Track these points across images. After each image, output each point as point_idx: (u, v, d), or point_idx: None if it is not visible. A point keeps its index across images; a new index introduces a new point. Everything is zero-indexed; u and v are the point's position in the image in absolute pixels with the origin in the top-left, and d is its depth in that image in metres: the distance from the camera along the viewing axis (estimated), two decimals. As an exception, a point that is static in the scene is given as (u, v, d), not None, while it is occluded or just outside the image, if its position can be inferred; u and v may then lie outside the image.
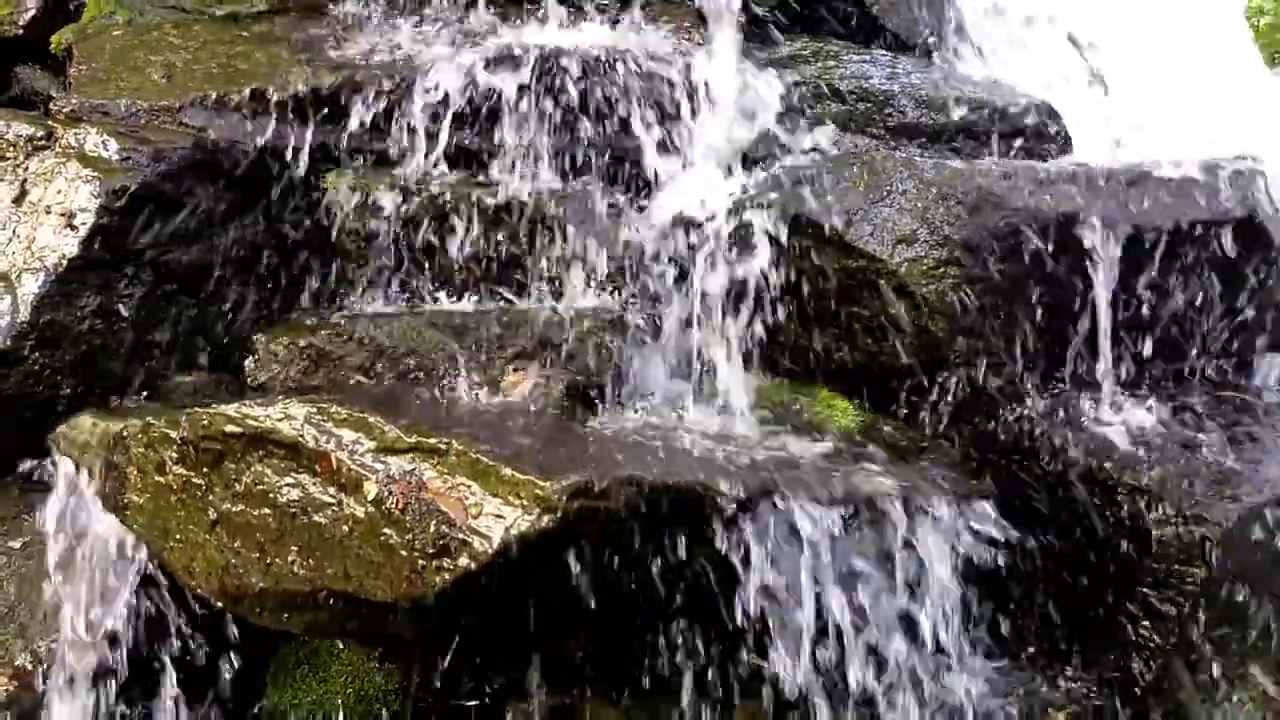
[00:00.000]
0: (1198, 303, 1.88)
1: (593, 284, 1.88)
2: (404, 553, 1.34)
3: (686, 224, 1.89)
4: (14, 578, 1.69)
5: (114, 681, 1.62)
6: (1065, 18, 2.60)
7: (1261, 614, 1.66)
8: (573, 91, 1.99)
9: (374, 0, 2.23)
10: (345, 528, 1.38)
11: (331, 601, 1.39)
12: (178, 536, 1.48)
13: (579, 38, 2.09)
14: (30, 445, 1.70)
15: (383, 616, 1.38)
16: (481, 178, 1.95)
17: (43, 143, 1.82)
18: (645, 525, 1.37)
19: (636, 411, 1.70)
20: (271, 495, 1.42)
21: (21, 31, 2.24)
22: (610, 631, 1.48)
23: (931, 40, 2.50)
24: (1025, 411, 1.80)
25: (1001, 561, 1.68)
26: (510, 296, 1.88)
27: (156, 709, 1.63)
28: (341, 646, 1.67)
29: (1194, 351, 1.91)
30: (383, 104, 1.97)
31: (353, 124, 1.95)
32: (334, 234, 1.90)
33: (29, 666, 1.64)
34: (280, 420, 1.43)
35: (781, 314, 1.84)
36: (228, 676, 1.65)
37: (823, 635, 1.48)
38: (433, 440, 1.39)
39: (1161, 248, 1.85)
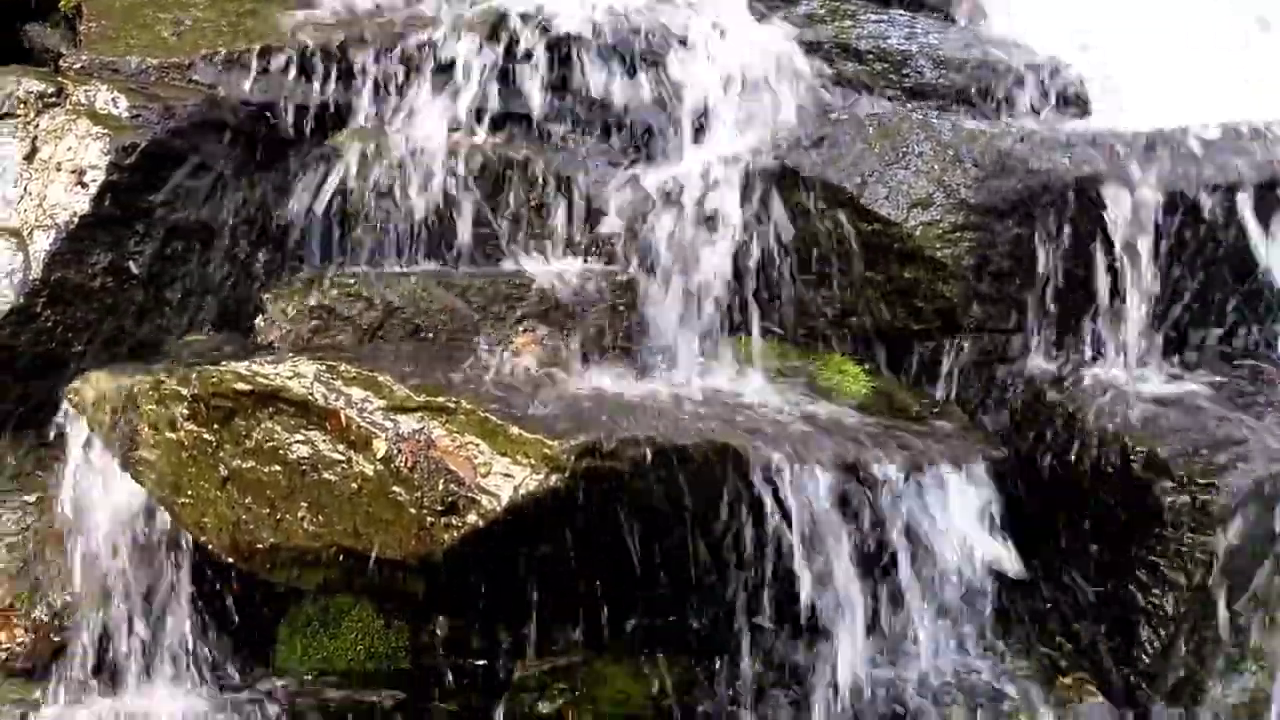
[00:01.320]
0: (1217, 270, 1.85)
1: (604, 246, 1.86)
2: (413, 510, 1.34)
3: (697, 185, 1.87)
4: (29, 533, 1.71)
5: (128, 636, 1.64)
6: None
7: (1272, 584, 1.65)
8: (582, 51, 1.97)
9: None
10: (354, 485, 1.38)
11: (341, 558, 1.40)
12: (189, 493, 1.49)
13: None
14: (43, 402, 1.71)
15: (392, 574, 1.39)
16: (494, 138, 1.94)
17: (53, 100, 1.81)
18: (653, 486, 1.37)
19: (646, 372, 1.69)
20: (281, 452, 1.43)
21: (32, -11, 2.23)
22: (620, 590, 1.49)
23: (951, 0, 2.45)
24: (1039, 377, 1.78)
25: (1012, 529, 1.68)
26: (522, 257, 1.87)
27: (171, 664, 1.65)
28: (352, 604, 1.69)
29: (1212, 319, 1.89)
30: (394, 62, 1.95)
31: (363, 82, 1.94)
32: (344, 193, 1.89)
33: (45, 619, 1.66)
34: (290, 378, 1.43)
35: (794, 278, 1.83)
36: (239, 632, 1.67)
37: (826, 598, 1.48)
38: (441, 399, 1.39)
39: (1181, 213, 1.82)
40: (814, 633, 1.50)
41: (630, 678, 1.57)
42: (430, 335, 1.71)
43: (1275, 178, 1.87)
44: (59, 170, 1.74)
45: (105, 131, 1.74)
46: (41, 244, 1.70)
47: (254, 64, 1.91)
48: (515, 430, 1.34)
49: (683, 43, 2.01)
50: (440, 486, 1.33)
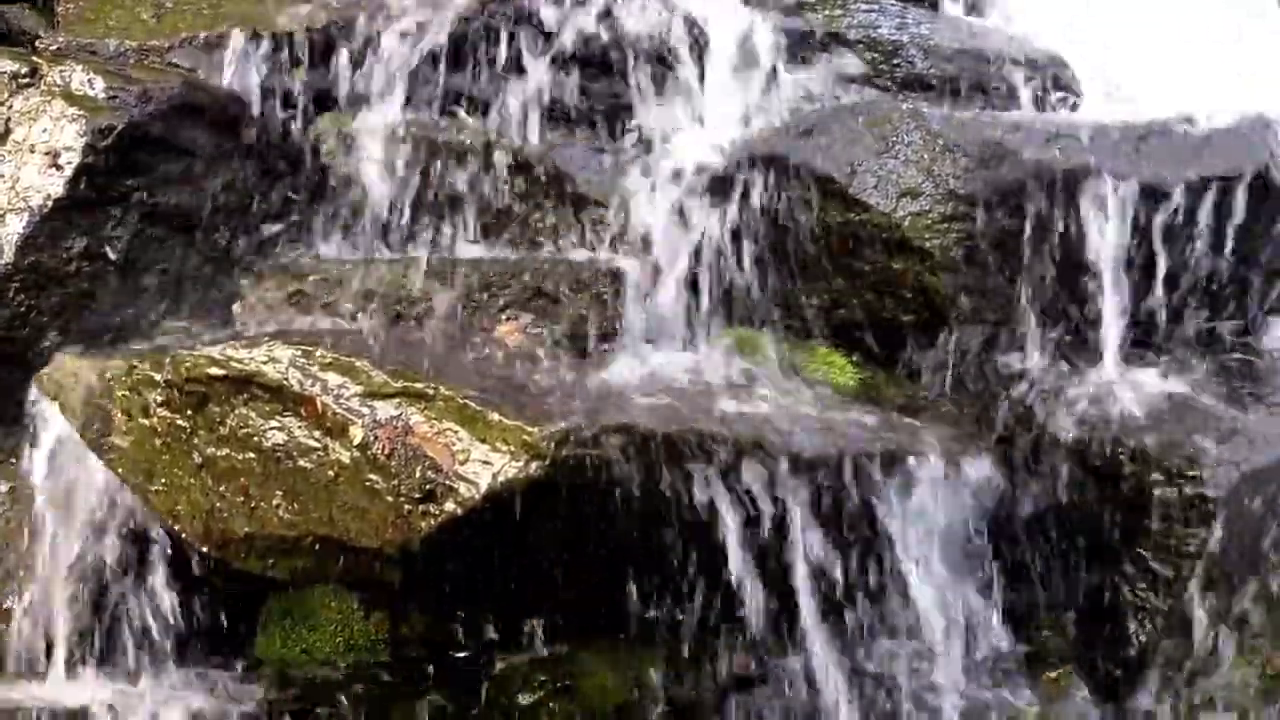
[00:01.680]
0: (1207, 261, 1.85)
1: (588, 233, 1.84)
2: (389, 498, 1.32)
3: (685, 175, 1.85)
4: (0, 521, 1.68)
5: (103, 624, 1.61)
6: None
7: (1259, 577, 1.64)
8: (566, 37, 1.95)
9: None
10: (330, 472, 1.36)
11: (317, 547, 1.38)
12: (162, 480, 1.47)
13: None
14: (15, 388, 1.68)
15: (368, 562, 1.37)
16: (477, 124, 1.91)
17: (27, 80, 1.78)
18: (635, 473, 1.35)
19: (629, 361, 1.67)
20: (256, 439, 1.40)
21: (8, -31, 2.20)
22: (601, 580, 1.47)
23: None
24: (1028, 370, 1.77)
25: (998, 520, 1.66)
26: (505, 244, 1.85)
27: (147, 653, 1.62)
28: (331, 595, 1.66)
29: (1202, 311, 1.88)
30: (376, 45, 1.93)
31: (345, 65, 1.91)
32: (325, 178, 1.87)
33: (15, 610, 1.63)
34: (265, 363, 1.41)
35: (781, 268, 1.81)
36: (217, 624, 1.65)
37: (812, 588, 1.47)
38: (420, 385, 1.37)
39: (1171, 204, 1.81)
40: (796, 625, 1.48)
41: (612, 669, 1.55)
42: (412, 322, 1.68)
43: (1263, 172, 1.86)
44: (33, 152, 1.71)
45: (81, 113, 1.71)
46: (14, 227, 1.67)
47: (235, 48, 1.89)
48: (495, 416, 1.32)
49: (671, 32, 2.00)
50: (418, 474, 1.31)
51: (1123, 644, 1.64)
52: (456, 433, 1.32)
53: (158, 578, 1.61)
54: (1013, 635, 1.68)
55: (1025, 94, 2.13)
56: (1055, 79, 2.17)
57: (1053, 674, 1.66)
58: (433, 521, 1.30)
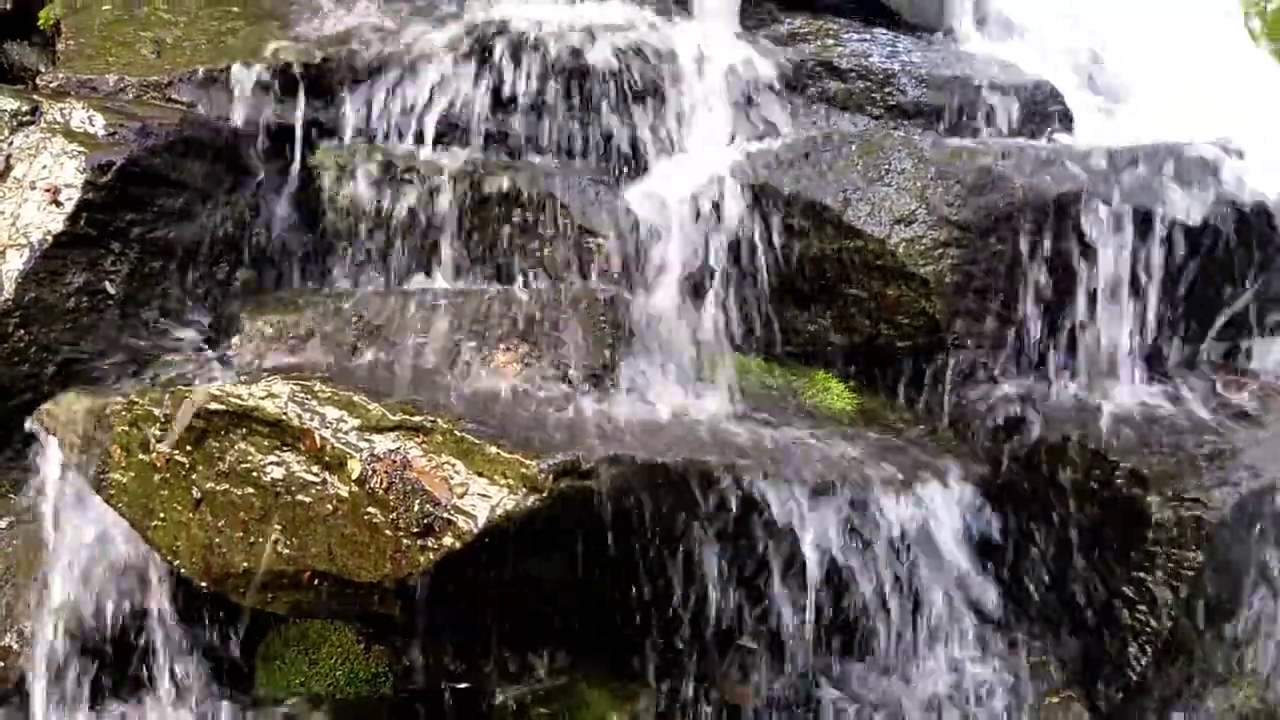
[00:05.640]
0: (1199, 285, 1.86)
1: (584, 263, 1.85)
2: (388, 532, 1.32)
3: (679, 203, 1.86)
4: (1, 557, 1.68)
5: (101, 664, 1.61)
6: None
7: (1258, 598, 1.64)
8: (560, 71, 1.97)
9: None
10: (329, 507, 1.36)
11: (316, 582, 1.38)
12: (161, 515, 1.47)
13: (571, 14, 2.06)
14: (16, 424, 1.68)
15: (368, 597, 1.37)
16: (471, 156, 1.93)
17: (28, 118, 1.79)
18: (633, 505, 1.35)
19: (627, 391, 1.68)
20: (255, 474, 1.40)
21: (9, 7, 2.22)
22: (600, 612, 1.47)
23: (933, 20, 2.47)
24: (1023, 392, 1.78)
25: (997, 545, 1.67)
26: (501, 275, 1.86)
27: (145, 692, 1.62)
28: (331, 628, 1.66)
29: (1195, 333, 1.89)
30: (373, 81, 1.94)
31: (342, 101, 1.93)
32: (323, 212, 1.88)
33: (14, 647, 1.62)
34: (264, 398, 1.41)
35: (776, 295, 1.82)
36: (217, 657, 1.64)
37: (810, 615, 1.47)
38: (418, 418, 1.37)
39: (1162, 229, 1.82)
40: (796, 652, 1.48)
41: (612, 700, 1.55)
42: (410, 354, 1.69)
43: (1253, 198, 1.88)
44: (33, 189, 1.72)
45: (81, 149, 1.72)
46: (14, 263, 1.68)
47: (233, 82, 1.90)
48: (492, 449, 1.32)
49: (665, 62, 2.02)
50: (416, 508, 1.31)
51: (1125, 666, 1.64)
52: (454, 466, 1.32)
53: (156, 611, 1.61)
54: (1012, 659, 1.68)
55: (1017, 120, 2.15)
56: (1048, 105, 2.19)
57: (1055, 698, 1.66)
58: (431, 555, 1.30)
